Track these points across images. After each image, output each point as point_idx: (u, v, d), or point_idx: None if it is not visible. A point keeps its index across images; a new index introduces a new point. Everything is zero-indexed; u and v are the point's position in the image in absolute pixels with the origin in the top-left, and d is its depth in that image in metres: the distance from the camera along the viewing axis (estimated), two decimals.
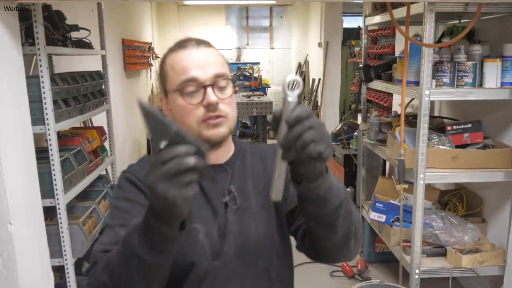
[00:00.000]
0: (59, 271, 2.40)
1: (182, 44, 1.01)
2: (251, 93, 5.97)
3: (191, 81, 0.96)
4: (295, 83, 0.74)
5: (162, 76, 1.03)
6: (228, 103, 0.99)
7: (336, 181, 0.85)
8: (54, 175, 2.19)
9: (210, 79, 0.97)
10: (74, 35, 2.82)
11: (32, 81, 2.10)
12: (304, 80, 8.48)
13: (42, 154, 2.19)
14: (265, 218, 1.04)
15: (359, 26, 6.95)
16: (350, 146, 4.17)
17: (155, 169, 0.70)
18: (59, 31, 2.51)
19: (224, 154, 1.06)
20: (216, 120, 0.97)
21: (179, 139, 0.71)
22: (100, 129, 3.09)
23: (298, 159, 0.74)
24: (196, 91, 0.96)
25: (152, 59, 7.12)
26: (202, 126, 0.97)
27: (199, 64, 0.98)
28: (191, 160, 0.69)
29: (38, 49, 2.09)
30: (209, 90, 0.96)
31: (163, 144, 0.71)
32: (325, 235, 0.90)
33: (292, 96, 0.73)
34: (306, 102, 8.12)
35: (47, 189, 2.18)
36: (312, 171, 0.78)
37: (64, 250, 2.28)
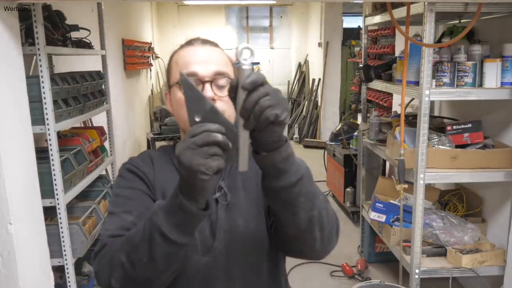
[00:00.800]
0: (59, 271, 2.40)
1: (189, 42, 1.06)
2: None
3: (191, 76, 0.98)
4: (248, 51, 0.77)
5: (168, 71, 1.07)
6: (226, 102, 0.98)
7: (299, 159, 0.85)
8: (54, 175, 2.19)
9: (209, 76, 0.99)
10: (74, 35, 2.82)
11: (32, 81, 2.10)
12: (304, 80, 8.48)
13: (42, 154, 2.19)
14: (255, 214, 1.05)
15: (359, 26, 6.95)
16: (350, 146, 4.18)
17: (185, 140, 0.75)
18: (59, 31, 2.51)
19: None
20: None
21: (213, 116, 0.75)
22: (100, 129, 3.09)
23: (258, 126, 0.75)
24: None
25: (152, 59, 7.12)
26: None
27: (201, 60, 1.00)
28: (219, 136, 0.74)
29: (38, 49, 2.09)
30: (207, 86, 0.98)
31: (198, 118, 0.76)
32: (286, 217, 0.88)
33: (246, 64, 0.75)
34: (306, 102, 8.13)
35: (47, 189, 2.18)
36: (269, 136, 0.77)
37: (64, 250, 2.28)
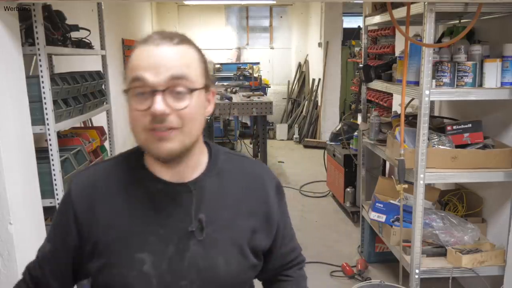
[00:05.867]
0: None
1: (144, 39, 0.87)
2: (251, 93, 5.98)
3: (138, 81, 0.82)
4: None
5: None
6: (184, 114, 0.82)
7: None
8: (54, 175, 2.19)
9: (162, 83, 0.81)
10: (74, 35, 2.82)
11: (32, 81, 2.10)
12: (304, 80, 8.48)
13: (42, 154, 2.19)
14: (237, 255, 0.93)
15: (359, 26, 6.95)
16: (350, 146, 4.17)
17: None
18: (59, 31, 2.51)
19: (188, 170, 0.91)
20: (162, 132, 0.81)
21: None
22: (100, 129, 3.09)
23: None
24: (146, 95, 0.81)
25: None
26: (148, 137, 0.83)
27: (152, 64, 0.81)
28: None
29: (38, 49, 2.09)
30: (158, 97, 0.80)
31: None
32: None
33: None
34: (306, 102, 8.13)
35: (47, 189, 2.18)
36: None
37: None
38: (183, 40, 0.86)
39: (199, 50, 0.89)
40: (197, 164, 0.93)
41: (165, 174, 0.90)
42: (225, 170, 0.96)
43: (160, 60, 0.82)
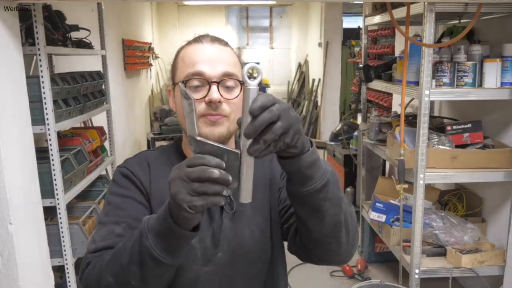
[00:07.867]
0: (59, 271, 2.40)
1: (197, 39, 1.00)
2: None
3: (197, 75, 0.94)
4: (254, 70, 0.75)
5: (173, 67, 1.02)
6: (233, 104, 0.95)
7: (324, 162, 0.81)
8: (54, 175, 2.19)
9: (217, 76, 0.94)
10: (74, 35, 2.82)
11: (32, 81, 2.10)
12: (304, 80, 8.48)
13: (42, 154, 2.19)
14: (260, 224, 1.02)
15: (359, 26, 6.95)
16: (350, 146, 4.17)
17: (181, 167, 0.72)
18: (59, 31, 2.51)
19: None
20: (215, 117, 0.93)
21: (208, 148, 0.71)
22: (100, 129, 3.09)
23: (265, 153, 0.71)
24: (201, 86, 0.94)
25: (152, 59, 7.12)
26: (200, 122, 0.94)
27: (208, 60, 0.95)
28: (216, 172, 0.69)
29: (38, 49, 2.09)
30: (214, 87, 0.93)
31: (198, 136, 0.71)
32: (311, 222, 0.85)
33: (253, 84, 0.70)
34: (306, 102, 8.13)
35: (47, 189, 2.18)
36: (284, 154, 0.75)
37: (64, 250, 2.28)
38: (227, 44, 1.03)
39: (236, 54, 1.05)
40: None
41: None
42: None
43: (216, 57, 0.96)
